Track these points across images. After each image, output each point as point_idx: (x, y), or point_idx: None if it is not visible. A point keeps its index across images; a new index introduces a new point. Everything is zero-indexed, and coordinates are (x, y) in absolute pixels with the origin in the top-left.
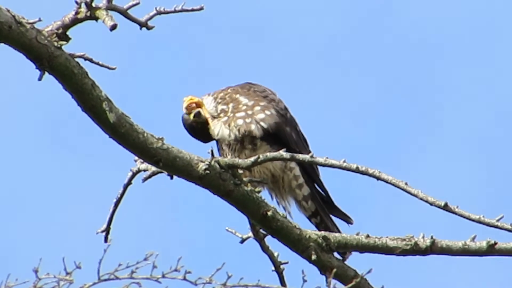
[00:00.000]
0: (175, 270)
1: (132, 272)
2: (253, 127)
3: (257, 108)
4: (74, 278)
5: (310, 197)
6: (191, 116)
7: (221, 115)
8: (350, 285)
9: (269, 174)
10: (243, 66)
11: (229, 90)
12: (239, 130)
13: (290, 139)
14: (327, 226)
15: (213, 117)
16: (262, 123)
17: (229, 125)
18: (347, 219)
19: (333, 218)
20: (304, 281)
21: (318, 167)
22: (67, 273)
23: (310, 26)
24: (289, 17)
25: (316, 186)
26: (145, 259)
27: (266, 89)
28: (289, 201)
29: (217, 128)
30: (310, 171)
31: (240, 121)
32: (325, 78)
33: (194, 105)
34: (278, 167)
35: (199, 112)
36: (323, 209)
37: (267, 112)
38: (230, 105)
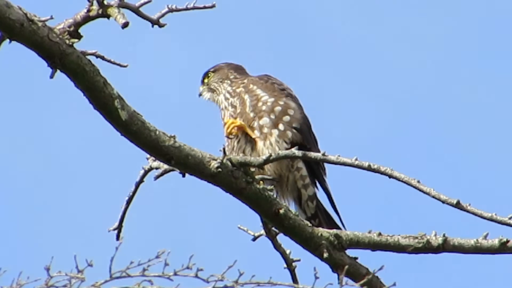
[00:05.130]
0: (187, 267)
1: (144, 269)
2: (290, 134)
3: (278, 108)
4: (86, 276)
5: (315, 197)
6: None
7: (229, 107)
8: (362, 281)
9: (276, 173)
10: (253, 63)
11: (245, 80)
12: (284, 141)
13: (303, 136)
14: None
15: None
16: (294, 125)
17: (264, 143)
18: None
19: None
20: (316, 278)
21: (326, 169)
22: (79, 271)
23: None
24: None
25: (321, 187)
26: (157, 257)
27: (283, 83)
28: (289, 200)
29: (266, 151)
30: (317, 172)
31: (276, 131)
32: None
33: (236, 129)
34: (284, 166)
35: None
36: (322, 211)
37: (290, 112)
38: (246, 97)
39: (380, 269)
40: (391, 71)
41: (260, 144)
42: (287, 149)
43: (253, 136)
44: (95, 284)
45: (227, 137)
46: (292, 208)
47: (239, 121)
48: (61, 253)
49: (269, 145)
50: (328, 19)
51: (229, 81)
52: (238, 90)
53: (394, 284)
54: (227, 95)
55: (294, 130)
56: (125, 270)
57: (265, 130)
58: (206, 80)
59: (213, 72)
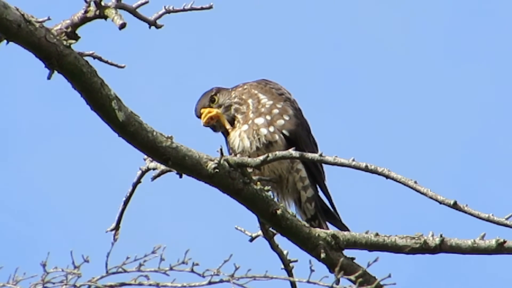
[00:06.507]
0: (183, 262)
1: (140, 265)
2: (277, 137)
3: (275, 111)
4: (82, 271)
5: (314, 199)
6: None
7: (238, 115)
8: (357, 274)
9: (276, 174)
10: (251, 65)
11: (245, 87)
12: (259, 140)
13: (301, 140)
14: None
15: (231, 125)
16: (284, 131)
17: (248, 137)
18: (343, 229)
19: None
20: (312, 271)
21: (325, 171)
22: (75, 267)
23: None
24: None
25: (320, 190)
26: (153, 252)
27: (281, 87)
28: (290, 202)
29: (237, 141)
30: (316, 174)
31: (264, 130)
32: None
33: (212, 119)
34: (285, 168)
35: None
36: (321, 213)
37: (286, 117)
38: (250, 101)
39: (375, 261)
40: (388, 66)
41: (232, 134)
42: (263, 146)
43: (227, 127)
44: (92, 280)
45: (205, 126)
46: (292, 209)
47: (215, 111)
48: (57, 249)
49: (243, 136)
50: (324, 18)
51: (232, 93)
52: (243, 97)
53: (389, 276)
54: (237, 106)
55: (282, 135)
56: (121, 265)
57: (255, 127)
58: (215, 103)
59: (216, 94)
